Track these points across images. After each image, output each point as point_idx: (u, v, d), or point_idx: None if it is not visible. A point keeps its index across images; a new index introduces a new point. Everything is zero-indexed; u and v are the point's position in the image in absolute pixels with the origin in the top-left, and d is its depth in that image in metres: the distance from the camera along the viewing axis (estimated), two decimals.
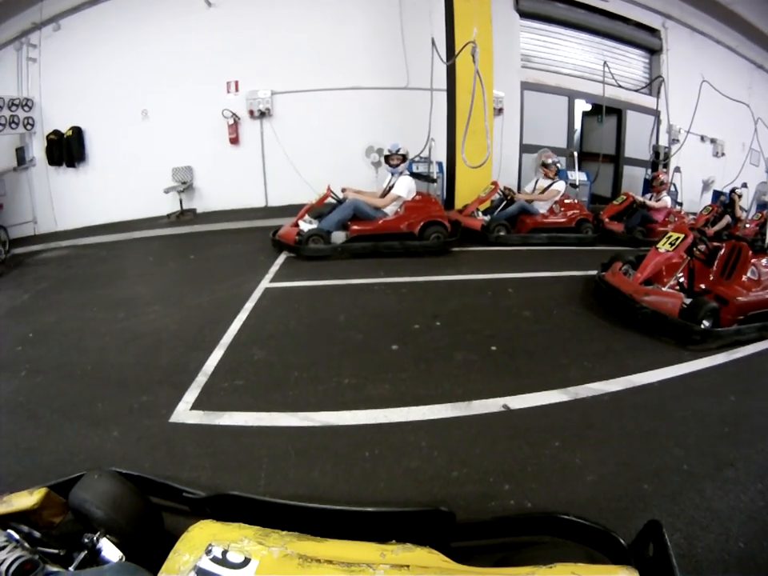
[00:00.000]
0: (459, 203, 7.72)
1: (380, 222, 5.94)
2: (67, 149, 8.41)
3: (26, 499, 1.44)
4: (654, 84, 10.64)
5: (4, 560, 0.99)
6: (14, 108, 8.00)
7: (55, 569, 1.16)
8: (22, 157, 8.49)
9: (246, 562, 1.11)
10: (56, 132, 8.36)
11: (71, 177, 8.64)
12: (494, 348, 3.53)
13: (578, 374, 3.16)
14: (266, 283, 4.93)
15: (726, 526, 1.95)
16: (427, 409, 2.75)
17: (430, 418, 2.67)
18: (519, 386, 2.99)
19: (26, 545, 1.21)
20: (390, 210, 6.02)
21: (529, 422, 2.65)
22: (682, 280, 4.43)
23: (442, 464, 2.29)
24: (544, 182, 7.22)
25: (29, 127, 8.34)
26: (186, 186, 8.69)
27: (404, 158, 6.07)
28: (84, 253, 7.16)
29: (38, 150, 8.52)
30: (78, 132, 8.40)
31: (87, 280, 5.70)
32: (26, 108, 8.23)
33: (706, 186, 11.03)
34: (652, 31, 10.71)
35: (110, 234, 7.95)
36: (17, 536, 1.25)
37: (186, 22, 8.23)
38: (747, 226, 8.51)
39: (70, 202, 8.67)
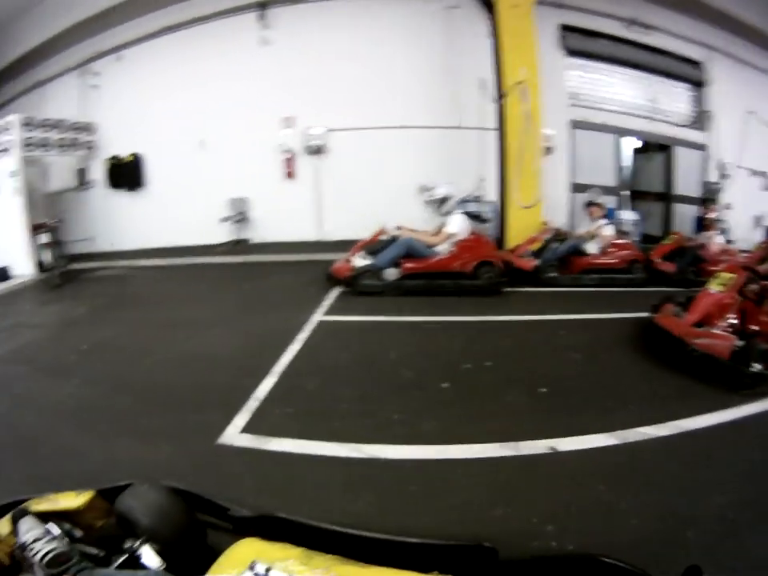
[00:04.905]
0: (510, 243, 7.57)
1: (433, 260, 5.95)
2: (126, 173, 8.92)
3: (72, 500, 1.49)
4: (701, 118, 10.44)
5: (39, 550, 1.04)
6: (75, 131, 8.57)
7: (91, 566, 1.20)
8: (82, 178, 9.05)
9: None
10: (115, 157, 8.90)
11: (130, 200, 9.12)
12: (543, 389, 3.48)
13: (625, 417, 3.07)
14: (318, 316, 5.01)
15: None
16: (475, 447, 2.73)
17: (477, 456, 2.66)
18: (567, 427, 2.93)
19: (66, 540, 1.25)
20: (443, 248, 6.00)
21: (575, 464, 2.61)
22: (734, 321, 4.28)
23: (486, 502, 2.28)
24: (593, 224, 6.99)
25: (89, 150, 8.90)
26: (241, 217, 8.99)
27: (443, 199, 6.08)
28: (140, 274, 7.47)
29: (97, 172, 9.08)
30: (136, 158, 8.91)
31: (142, 300, 5.93)
32: (87, 132, 8.81)
33: (758, 221, 10.66)
34: (695, 64, 10.54)
35: (165, 257, 8.26)
36: (57, 531, 1.30)
37: (243, 58, 8.62)
38: None
39: (127, 224, 9.07)
